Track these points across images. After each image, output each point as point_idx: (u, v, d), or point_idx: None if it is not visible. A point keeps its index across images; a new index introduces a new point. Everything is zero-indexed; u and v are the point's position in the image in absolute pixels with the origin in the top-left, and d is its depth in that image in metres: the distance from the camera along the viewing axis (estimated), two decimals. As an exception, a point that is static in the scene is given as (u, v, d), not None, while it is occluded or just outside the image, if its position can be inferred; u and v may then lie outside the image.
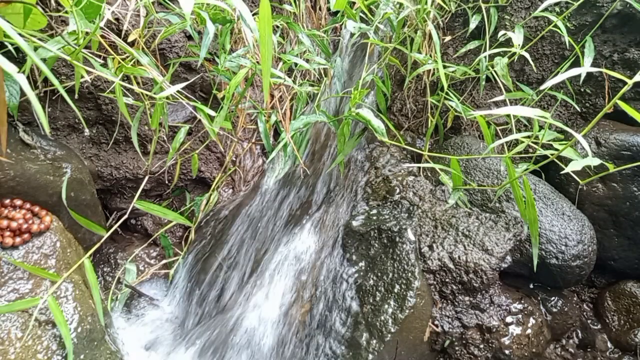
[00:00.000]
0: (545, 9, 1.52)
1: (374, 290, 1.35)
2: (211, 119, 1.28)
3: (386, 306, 1.30)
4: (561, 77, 0.85)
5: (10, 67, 0.61)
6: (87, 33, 1.02)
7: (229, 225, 1.78)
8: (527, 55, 1.45)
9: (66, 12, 1.08)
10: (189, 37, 1.65)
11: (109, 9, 1.23)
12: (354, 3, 1.62)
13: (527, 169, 1.03)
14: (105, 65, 1.27)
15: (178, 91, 1.09)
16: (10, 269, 1.15)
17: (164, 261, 1.79)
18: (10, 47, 1.15)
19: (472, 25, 1.65)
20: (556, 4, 1.54)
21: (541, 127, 1.47)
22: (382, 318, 1.29)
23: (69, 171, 1.38)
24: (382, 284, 1.35)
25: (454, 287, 1.35)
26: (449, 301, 1.36)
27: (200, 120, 1.69)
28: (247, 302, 1.49)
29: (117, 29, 1.42)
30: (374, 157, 1.75)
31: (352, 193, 1.69)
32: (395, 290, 1.32)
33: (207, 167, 1.86)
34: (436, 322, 1.35)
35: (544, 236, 1.34)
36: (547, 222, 1.36)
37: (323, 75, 1.87)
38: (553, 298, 1.42)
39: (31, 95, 0.59)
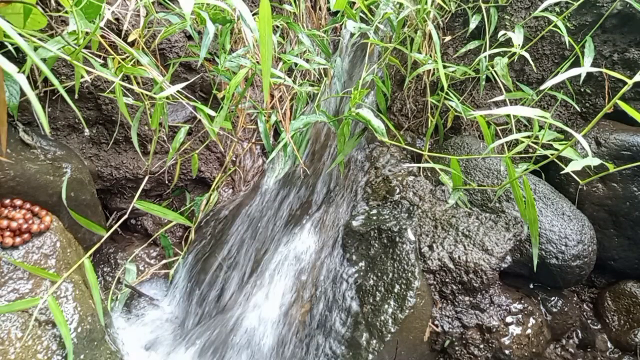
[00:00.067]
0: (545, 9, 1.52)
1: (374, 290, 1.35)
2: (211, 119, 1.28)
3: (386, 306, 1.30)
4: (561, 77, 0.85)
5: (10, 67, 0.61)
6: (87, 33, 1.02)
7: (229, 225, 1.78)
8: (527, 55, 1.45)
9: (66, 12, 1.08)
10: (189, 37, 1.65)
11: (109, 9, 1.23)
12: (354, 3, 1.62)
13: (527, 169, 1.03)
14: (105, 65, 1.27)
15: (178, 91, 1.09)
16: (10, 269, 1.15)
17: (164, 261, 1.79)
18: (10, 47, 1.15)
19: (472, 25, 1.65)
20: (556, 4, 1.54)
21: (541, 127, 1.47)
22: (382, 318, 1.29)
23: (69, 171, 1.38)
24: (382, 284, 1.35)
25: (454, 287, 1.35)
26: (449, 301, 1.36)
27: (200, 120, 1.69)
28: (247, 302, 1.49)
29: (117, 29, 1.42)
30: (374, 157, 1.75)
31: (352, 193, 1.69)
32: (395, 290, 1.32)
33: (207, 167, 1.86)
34: (436, 322, 1.35)
35: (544, 236, 1.34)
36: (547, 222, 1.36)
37: (323, 75, 1.87)
38: (553, 298, 1.42)
39: (31, 95, 0.59)
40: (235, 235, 1.75)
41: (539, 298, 1.42)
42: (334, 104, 1.95)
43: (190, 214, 1.87)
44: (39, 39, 1.02)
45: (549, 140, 1.37)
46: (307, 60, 1.64)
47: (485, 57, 1.54)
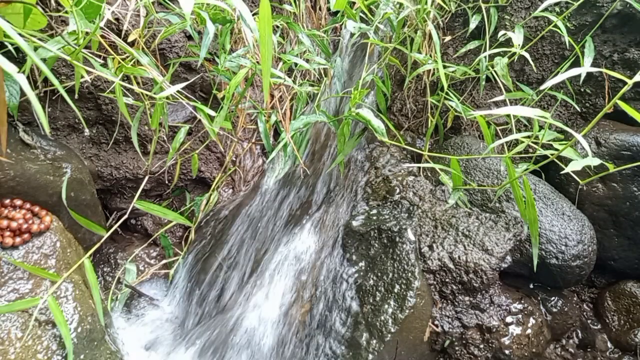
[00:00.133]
0: (545, 9, 1.52)
1: (374, 290, 1.35)
2: (211, 119, 1.28)
3: (386, 306, 1.30)
4: (561, 77, 0.85)
5: (10, 67, 0.61)
6: (87, 33, 1.02)
7: (229, 225, 1.78)
8: (527, 55, 1.45)
9: (66, 12, 1.08)
10: (189, 37, 1.65)
11: (109, 9, 1.23)
12: (354, 3, 1.62)
13: (527, 169, 1.03)
14: (105, 65, 1.27)
15: (178, 91, 1.09)
16: (10, 269, 1.15)
17: (164, 261, 1.79)
18: (10, 47, 1.15)
19: (472, 25, 1.65)
20: (556, 4, 1.54)
21: (541, 127, 1.47)
22: (382, 318, 1.29)
23: (69, 171, 1.38)
24: (382, 284, 1.35)
25: (454, 287, 1.35)
26: (449, 301, 1.36)
27: (200, 120, 1.69)
28: (247, 302, 1.49)
29: (117, 29, 1.42)
30: (374, 157, 1.75)
31: (352, 193, 1.69)
32: (395, 290, 1.32)
33: (207, 167, 1.86)
34: (436, 322, 1.35)
35: (544, 236, 1.34)
36: (547, 222, 1.36)
37: (323, 75, 1.87)
38: (553, 298, 1.42)
39: (31, 95, 0.59)
40: (235, 235, 1.75)
41: (539, 298, 1.42)
42: (334, 104, 1.95)
43: (190, 214, 1.87)
44: (39, 39, 1.02)
45: (549, 140, 1.37)
46: (307, 60, 1.64)
47: (485, 57, 1.54)
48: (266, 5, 0.81)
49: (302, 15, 1.97)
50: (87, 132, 1.58)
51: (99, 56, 1.30)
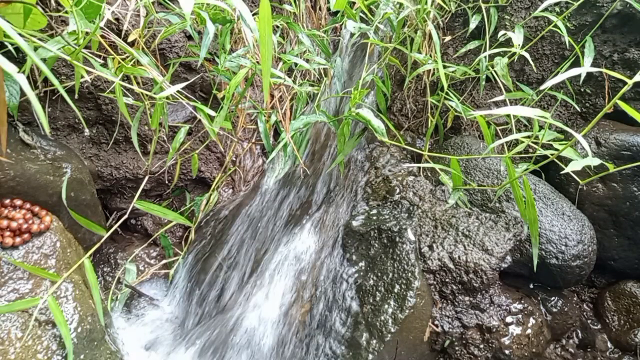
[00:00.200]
0: (545, 9, 1.52)
1: (374, 290, 1.35)
2: (211, 119, 1.28)
3: (386, 306, 1.30)
4: (561, 77, 0.85)
5: (10, 67, 0.61)
6: (87, 33, 1.02)
7: (229, 225, 1.78)
8: (527, 55, 1.45)
9: (66, 12, 1.08)
10: (189, 37, 1.65)
11: (109, 9, 1.23)
12: (354, 3, 1.62)
13: (527, 169, 1.03)
14: (105, 65, 1.27)
15: (178, 91, 1.09)
16: (10, 269, 1.15)
17: (164, 261, 1.79)
18: (10, 47, 1.15)
19: (472, 25, 1.65)
20: (556, 4, 1.54)
21: (541, 127, 1.47)
22: (382, 318, 1.29)
23: (69, 171, 1.38)
24: (382, 284, 1.35)
25: (454, 287, 1.35)
26: (449, 301, 1.36)
27: (200, 120, 1.69)
28: (247, 302, 1.49)
29: (117, 29, 1.42)
30: (374, 157, 1.75)
31: (352, 193, 1.69)
32: (395, 290, 1.32)
33: (207, 167, 1.86)
34: (436, 322, 1.35)
35: (544, 236, 1.34)
36: (547, 222, 1.36)
37: (323, 75, 1.87)
38: (553, 298, 1.42)
39: (31, 95, 0.59)
40: (235, 235, 1.75)
41: (539, 298, 1.42)
42: (334, 104, 1.95)
43: (190, 214, 1.87)
44: (39, 39, 1.02)
45: (549, 140, 1.37)
46: (307, 60, 1.64)
47: (485, 57, 1.54)
48: (266, 5, 0.81)
49: (302, 15, 1.97)
50: (87, 132, 1.58)
51: (99, 56, 1.30)
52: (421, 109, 1.87)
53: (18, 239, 1.18)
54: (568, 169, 0.88)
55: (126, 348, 1.36)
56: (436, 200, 1.54)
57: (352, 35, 1.96)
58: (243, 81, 1.59)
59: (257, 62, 1.45)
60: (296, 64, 1.57)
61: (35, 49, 0.99)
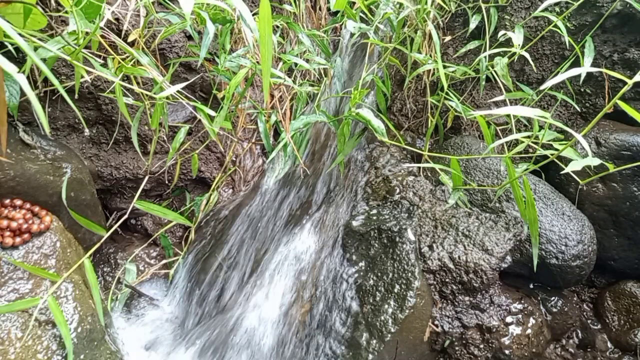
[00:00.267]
0: (545, 9, 1.52)
1: (374, 290, 1.35)
2: (211, 119, 1.28)
3: (386, 306, 1.30)
4: (561, 77, 0.85)
5: (10, 67, 0.61)
6: (87, 33, 1.02)
7: (229, 225, 1.78)
8: (527, 55, 1.45)
9: (66, 12, 1.08)
10: (189, 37, 1.65)
11: (109, 9, 1.23)
12: (354, 3, 1.62)
13: (527, 169, 1.03)
14: (105, 65, 1.27)
15: (178, 91, 1.09)
16: (10, 269, 1.15)
17: (164, 261, 1.79)
18: (10, 47, 1.15)
19: (472, 25, 1.65)
20: (556, 4, 1.54)
21: (541, 127, 1.47)
22: (382, 318, 1.29)
23: (69, 171, 1.38)
24: (382, 284, 1.35)
25: (454, 287, 1.35)
26: (449, 301, 1.36)
27: (200, 120, 1.69)
28: (247, 302, 1.49)
29: (117, 29, 1.42)
30: (374, 157, 1.75)
31: (352, 193, 1.69)
32: (395, 290, 1.32)
33: (207, 167, 1.86)
34: (436, 322, 1.35)
35: (544, 236, 1.34)
36: (547, 222, 1.36)
37: (323, 75, 1.87)
38: (553, 298, 1.42)
39: (31, 95, 0.59)
40: (235, 235, 1.75)
41: (539, 298, 1.42)
42: (334, 104, 1.95)
43: (190, 214, 1.87)
44: (39, 39, 1.02)
45: (549, 140, 1.37)
46: (307, 60, 1.64)
47: (485, 57, 1.54)
48: (266, 5, 0.81)
49: (302, 15, 1.97)
50: (87, 132, 1.58)
51: (99, 56, 1.30)
52: (421, 109, 1.87)
53: (18, 239, 1.18)
54: (568, 169, 0.88)
55: (126, 348, 1.36)
56: (436, 200, 1.54)
57: (352, 35, 1.96)
58: (243, 81, 1.59)
59: (257, 62, 1.45)
60: (296, 64, 1.57)
61: (35, 49, 0.99)
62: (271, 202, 1.81)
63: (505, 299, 1.36)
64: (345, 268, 1.44)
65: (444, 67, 1.58)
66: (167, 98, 1.21)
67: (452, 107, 1.60)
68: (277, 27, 1.75)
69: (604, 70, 0.92)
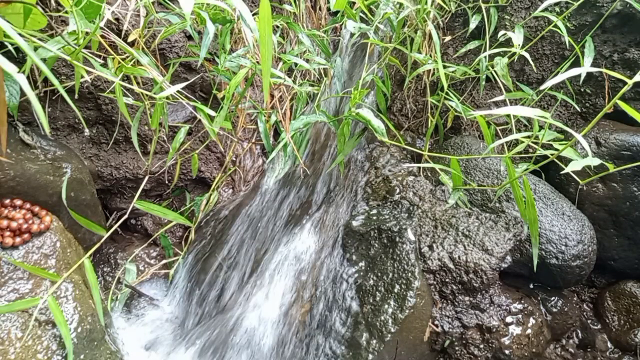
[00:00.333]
0: (545, 9, 1.52)
1: (374, 290, 1.35)
2: (211, 119, 1.28)
3: (386, 306, 1.30)
4: (561, 77, 0.85)
5: (10, 67, 0.61)
6: (87, 33, 1.02)
7: (229, 225, 1.78)
8: (527, 55, 1.45)
9: (66, 12, 1.08)
10: (189, 37, 1.65)
11: (109, 9, 1.23)
12: (354, 3, 1.62)
13: (527, 169, 1.03)
14: (105, 65, 1.27)
15: (178, 91, 1.09)
16: (10, 269, 1.15)
17: (164, 261, 1.79)
18: (10, 47, 1.15)
19: (472, 25, 1.65)
20: (556, 4, 1.54)
21: (541, 127, 1.47)
22: (382, 318, 1.29)
23: (69, 171, 1.38)
24: (382, 284, 1.35)
25: (454, 287, 1.35)
26: (449, 301, 1.36)
27: (200, 120, 1.69)
28: (247, 302, 1.49)
29: (117, 29, 1.42)
30: (374, 157, 1.75)
31: (352, 193, 1.69)
32: (395, 290, 1.32)
33: (207, 167, 1.86)
34: (436, 322, 1.35)
35: (544, 236, 1.34)
36: (547, 222, 1.36)
37: (323, 75, 1.87)
38: (553, 298, 1.42)
39: (31, 95, 0.59)
40: (235, 235, 1.75)
41: (539, 298, 1.42)
42: (334, 104, 1.95)
43: (190, 214, 1.87)
44: (39, 39, 1.02)
45: (549, 140, 1.37)
46: (307, 60, 1.64)
47: (485, 57, 1.54)
48: (266, 5, 0.81)
49: (302, 15, 1.97)
50: (87, 132, 1.58)
51: (99, 56, 1.30)
52: (421, 109, 1.87)
53: (18, 239, 1.18)
54: (568, 169, 0.88)
55: (126, 348, 1.36)
56: (436, 200, 1.54)
57: (352, 35, 1.96)
58: (243, 81, 1.59)
59: (257, 62, 1.45)
60: (296, 64, 1.57)
61: (35, 49, 0.99)
62: (271, 202, 1.81)
63: (505, 299, 1.36)
64: (345, 268, 1.44)
65: (444, 67, 1.58)
66: (167, 98, 1.21)
67: (452, 107, 1.60)
68: (277, 27, 1.75)
69: (604, 70, 0.92)
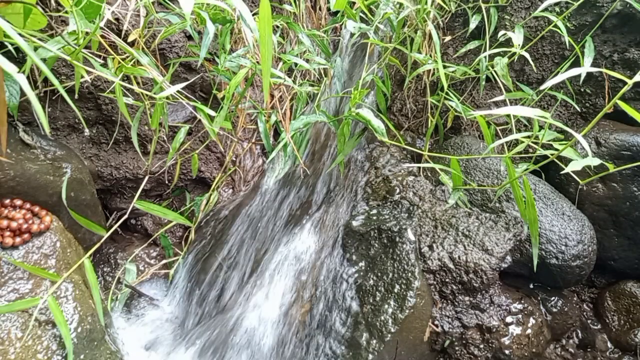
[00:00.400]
0: (545, 9, 1.52)
1: (374, 290, 1.35)
2: (211, 119, 1.28)
3: (386, 306, 1.30)
4: (561, 77, 0.85)
5: (10, 67, 0.61)
6: (87, 33, 1.02)
7: (229, 225, 1.78)
8: (527, 55, 1.45)
9: (66, 12, 1.08)
10: (189, 37, 1.65)
11: (109, 9, 1.23)
12: (354, 3, 1.62)
13: (527, 169, 1.03)
14: (105, 65, 1.27)
15: (178, 91, 1.09)
16: (10, 269, 1.15)
17: (164, 261, 1.79)
18: (10, 47, 1.15)
19: (472, 25, 1.65)
20: (556, 4, 1.54)
21: (541, 127, 1.47)
22: (382, 318, 1.29)
23: (69, 171, 1.38)
24: (382, 284, 1.35)
25: (454, 287, 1.35)
26: (449, 301, 1.36)
27: (200, 120, 1.69)
28: (247, 302, 1.49)
29: (117, 29, 1.42)
30: (374, 157, 1.75)
31: (352, 193, 1.69)
32: (395, 290, 1.32)
33: (207, 167, 1.86)
34: (436, 322, 1.35)
35: (544, 236, 1.34)
36: (547, 222, 1.36)
37: (323, 75, 1.87)
38: (553, 298, 1.42)
39: (31, 95, 0.59)
40: (235, 235, 1.75)
41: (539, 298, 1.42)
42: (334, 104, 1.95)
43: (190, 214, 1.87)
44: (39, 39, 1.02)
45: (549, 140, 1.37)
46: (307, 60, 1.64)
47: (485, 57, 1.54)
48: (266, 5, 0.81)
49: (302, 15, 1.97)
50: (87, 132, 1.58)
51: (99, 56, 1.30)
52: (421, 109, 1.87)
53: (18, 239, 1.18)
54: (568, 169, 0.88)
55: (126, 348, 1.36)
56: (436, 200, 1.54)
57: (352, 35, 1.96)
58: (243, 81, 1.59)
59: (257, 62, 1.45)
60: (296, 64, 1.57)
61: (35, 49, 0.99)
62: (271, 202, 1.81)
63: (505, 299, 1.36)
64: (345, 268, 1.44)
65: (444, 67, 1.58)
66: (167, 98, 1.21)
67: (452, 107, 1.60)
68: (277, 27, 1.75)
69: (604, 70, 0.92)
